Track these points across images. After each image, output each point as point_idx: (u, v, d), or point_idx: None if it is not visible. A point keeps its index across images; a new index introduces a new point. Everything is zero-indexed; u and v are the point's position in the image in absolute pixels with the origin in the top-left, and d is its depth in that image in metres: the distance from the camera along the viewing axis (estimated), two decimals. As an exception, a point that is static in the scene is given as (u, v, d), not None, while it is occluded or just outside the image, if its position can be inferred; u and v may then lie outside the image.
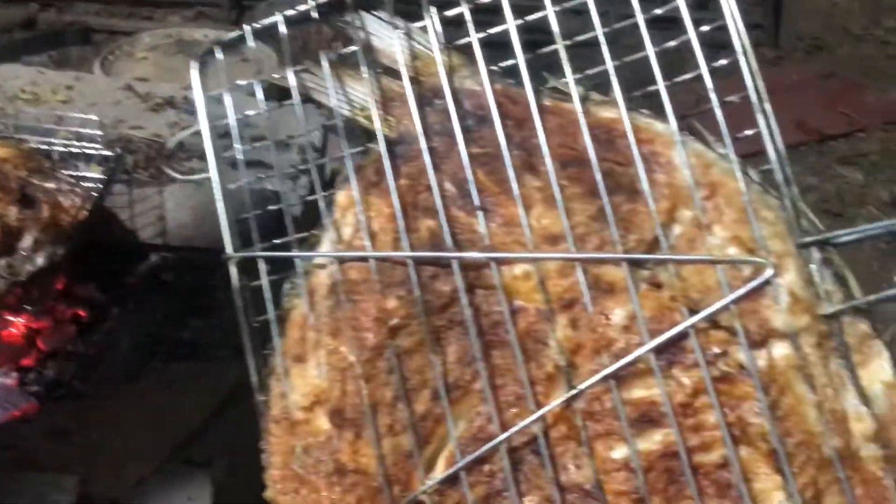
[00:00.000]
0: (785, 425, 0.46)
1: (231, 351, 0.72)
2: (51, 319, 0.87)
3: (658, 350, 0.48)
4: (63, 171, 0.90)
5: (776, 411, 0.46)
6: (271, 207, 0.59)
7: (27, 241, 0.81)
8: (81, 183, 0.88)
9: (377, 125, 0.56)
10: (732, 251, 0.49)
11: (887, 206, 2.54)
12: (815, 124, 2.30)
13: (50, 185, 0.85)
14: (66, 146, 0.97)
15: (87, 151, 0.96)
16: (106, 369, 0.85)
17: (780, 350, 0.47)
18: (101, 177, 0.90)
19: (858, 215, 2.36)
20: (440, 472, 0.52)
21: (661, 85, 0.52)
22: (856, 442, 0.46)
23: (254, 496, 0.57)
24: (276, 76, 0.59)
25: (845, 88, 2.36)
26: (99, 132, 0.95)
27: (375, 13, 0.59)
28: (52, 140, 0.98)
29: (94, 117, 0.98)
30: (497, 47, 0.56)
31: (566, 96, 0.53)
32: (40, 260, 0.81)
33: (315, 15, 0.58)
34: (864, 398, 0.47)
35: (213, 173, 0.60)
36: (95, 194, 0.88)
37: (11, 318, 0.85)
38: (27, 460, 0.74)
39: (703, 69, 0.51)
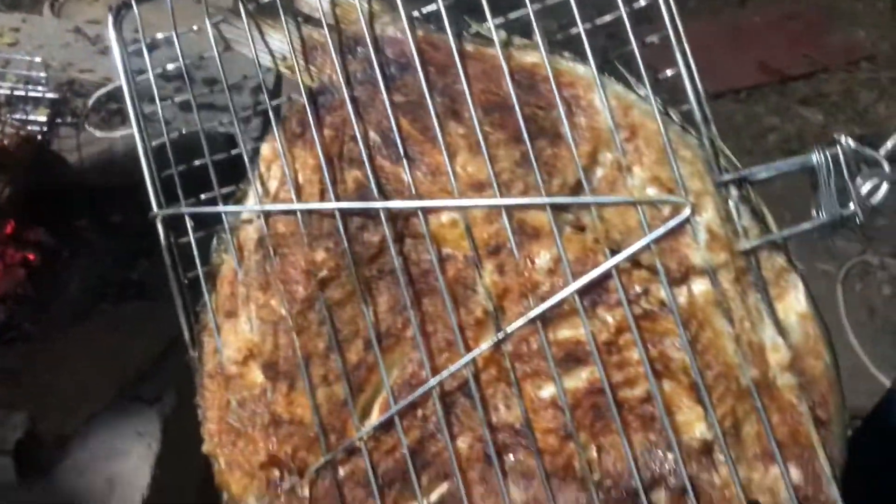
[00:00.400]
0: (705, 358, 0.48)
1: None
2: (0, 263, 0.86)
3: (582, 291, 0.49)
4: (10, 114, 0.89)
5: (696, 345, 0.48)
6: (196, 162, 0.58)
7: None
8: (28, 126, 0.88)
9: (300, 74, 0.55)
10: (652, 191, 0.49)
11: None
12: (778, 65, 2.32)
13: None
14: (12, 89, 0.96)
15: (34, 95, 0.94)
16: (55, 311, 0.86)
17: (700, 286, 0.48)
18: (46, 119, 0.90)
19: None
20: (375, 418, 0.52)
21: (580, 27, 0.51)
22: (772, 372, 0.48)
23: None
24: (194, 27, 0.58)
25: (808, 29, 2.38)
26: (45, 75, 0.94)
27: (293, -40, 0.58)
28: (0, 83, 0.97)
29: (40, 60, 0.96)
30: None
31: (488, 41, 0.53)
32: None
33: (231, -37, 0.57)
34: (781, 330, 0.48)
35: (136, 131, 0.58)
36: (40, 137, 0.88)
37: None
38: None
39: (622, 9, 0.51)
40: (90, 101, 0.62)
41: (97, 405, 0.75)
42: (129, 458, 0.72)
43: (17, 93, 0.95)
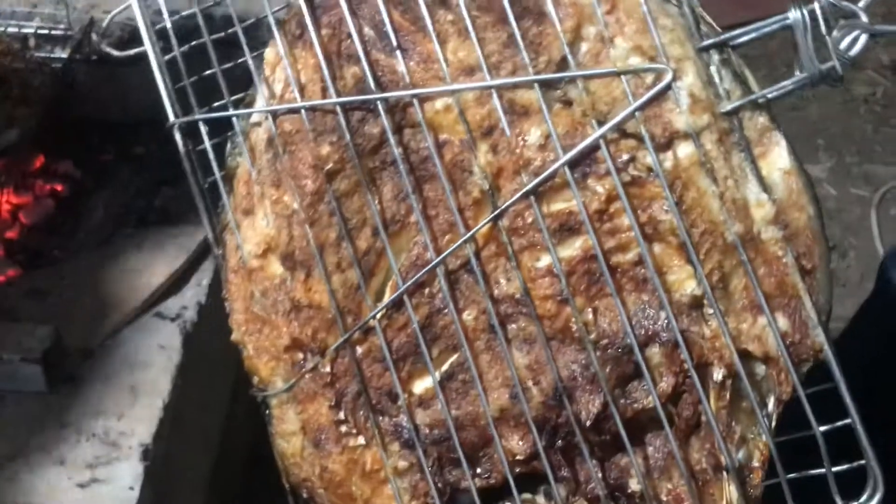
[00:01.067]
0: (691, 217, 0.50)
1: (199, 216, 0.76)
2: (31, 195, 0.92)
3: (572, 163, 0.51)
4: (36, 53, 0.95)
5: (682, 206, 0.50)
6: (206, 73, 0.61)
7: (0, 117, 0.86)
8: (52, 64, 0.93)
9: (294, -21, 0.58)
10: (635, 61, 0.51)
11: (886, 69, 2.49)
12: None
13: (19, 65, 0.90)
14: (37, 28, 1.01)
15: (58, 34, 0.99)
16: (81, 237, 0.90)
17: (684, 150, 0.50)
18: (68, 57, 0.95)
19: (855, 79, 2.32)
20: (386, 298, 0.56)
21: None
22: (757, 226, 0.49)
23: (220, 342, 0.62)
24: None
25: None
26: (65, 14, 0.98)
27: None
28: (27, 24, 1.03)
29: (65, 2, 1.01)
30: None
31: (471, -71, 0.54)
32: (13, 134, 0.86)
33: None
34: (765, 186, 0.50)
35: (148, 46, 0.62)
36: (63, 73, 0.93)
37: None
38: (6, 317, 0.79)
39: None
40: (105, 23, 0.65)
41: (120, 320, 0.80)
42: (151, 369, 0.76)
43: (41, 31, 1.00)
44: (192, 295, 0.80)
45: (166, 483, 0.73)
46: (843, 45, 0.48)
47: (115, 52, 0.64)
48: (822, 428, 0.49)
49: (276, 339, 0.58)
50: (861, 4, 0.48)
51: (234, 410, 0.95)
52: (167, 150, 0.76)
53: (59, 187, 0.94)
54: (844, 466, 0.49)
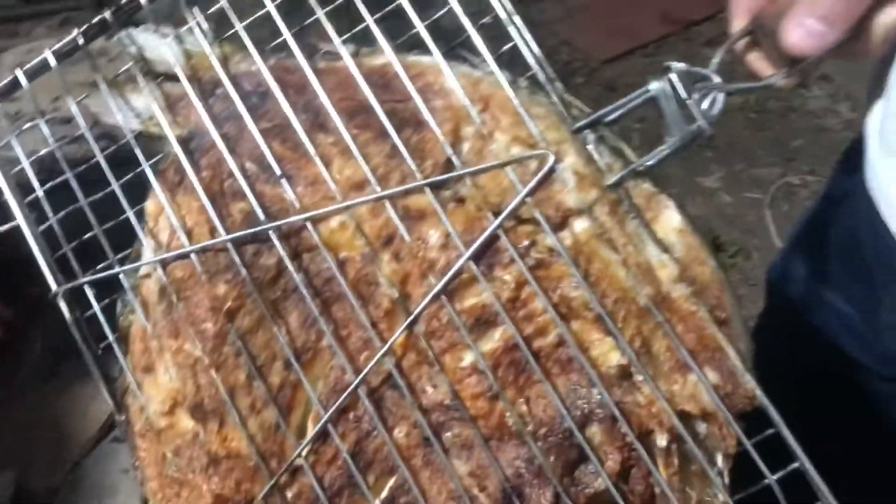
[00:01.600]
0: (601, 289, 0.50)
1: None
2: None
3: (476, 257, 0.51)
4: None
5: (590, 279, 0.50)
6: (86, 236, 0.59)
7: None
8: None
9: (166, 128, 0.57)
10: (516, 151, 0.52)
11: (752, 78, 2.73)
12: (680, 13, 2.47)
13: None
14: None
15: None
16: (24, 376, 0.88)
17: (580, 225, 0.51)
18: None
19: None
20: (310, 433, 0.53)
21: (419, 25, 0.55)
22: (665, 286, 0.50)
23: None
24: (54, 110, 0.59)
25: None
26: None
27: (143, 27, 0.60)
28: None
29: None
30: (263, 29, 0.58)
31: (337, 56, 0.56)
32: None
33: (81, 42, 0.59)
34: (663, 247, 0.51)
35: (21, 219, 0.59)
36: None
37: None
38: None
39: (453, 2, 0.55)
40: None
41: (79, 452, 0.79)
42: (119, 494, 0.76)
43: None
44: None
45: None
46: (705, 105, 0.51)
47: (-14, 232, 0.61)
48: (775, 476, 0.48)
49: (198, 499, 0.53)
50: (711, 69, 0.52)
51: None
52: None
53: None
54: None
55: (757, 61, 0.54)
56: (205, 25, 0.58)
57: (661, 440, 0.49)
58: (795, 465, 0.48)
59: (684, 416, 0.49)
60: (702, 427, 0.49)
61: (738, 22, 0.55)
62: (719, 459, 0.49)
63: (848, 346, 0.72)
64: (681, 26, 2.45)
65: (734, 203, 2.22)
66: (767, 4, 0.53)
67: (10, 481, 0.78)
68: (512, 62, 0.55)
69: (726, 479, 0.49)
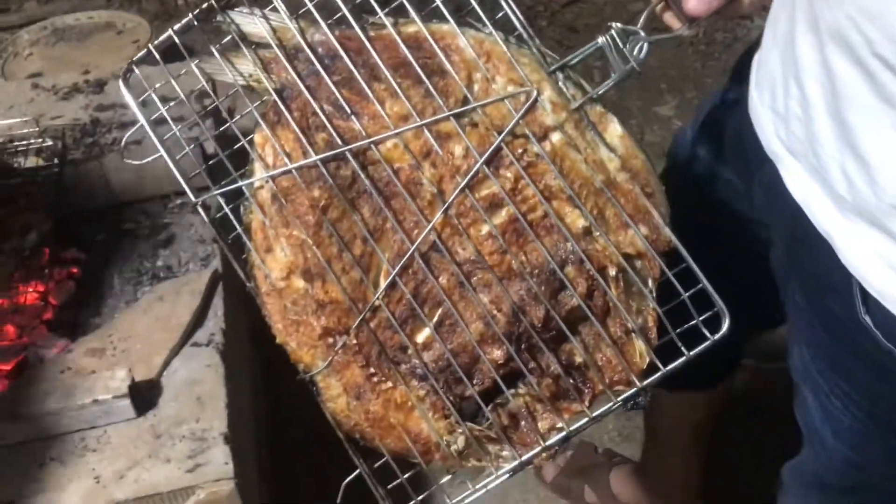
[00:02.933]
0: (570, 179, 0.76)
1: (197, 263, 1.04)
2: (52, 281, 1.16)
3: (487, 161, 0.77)
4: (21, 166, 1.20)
5: (563, 172, 0.76)
6: (212, 161, 0.84)
7: (17, 225, 1.09)
8: (40, 172, 1.17)
9: (266, 82, 0.82)
10: (511, 88, 0.77)
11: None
12: None
13: (15, 180, 1.14)
14: (2, 147, 1.25)
15: (20, 148, 1.22)
16: (110, 303, 1.19)
17: (555, 136, 0.77)
18: (51, 163, 1.20)
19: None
20: (382, 284, 0.80)
21: (438, 2, 0.79)
22: (612, 174, 0.76)
23: (241, 353, 0.84)
24: (182, 72, 0.84)
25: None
26: (27, 129, 1.22)
27: (239, 9, 0.84)
28: (8, 144, 1.27)
29: (16, 119, 1.24)
30: (329, 7, 0.82)
31: (382, 26, 0.80)
32: (33, 236, 1.10)
33: (195, 23, 0.83)
34: (610, 148, 0.77)
35: (164, 155, 0.84)
36: (53, 178, 1.17)
37: (25, 287, 1.13)
38: (82, 373, 1.08)
39: (461, -18, 0.79)
40: (122, 141, 0.86)
41: (168, 355, 1.07)
42: (207, 382, 1.04)
43: (9, 149, 1.23)
44: (214, 323, 1.08)
45: (240, 456, 0.98)
46: (635, 52, 0.76)
47: (136, 162, 0.86)
48: (688, 293, 0.75)
49: (311, 332, 0.81)
50: (639, 25, 0.77)
51: (257, 402, 1.23)
52: (152, 222, 1.05)
53: (74, 270, 1.18)
54: (707, 314, 0.75)
55: (670, 18, 0.79)
56: (282, 6, 0.82)
57: (612, 271, 0.76)
58: (699, 286, 0.75)
59: (626, 256, 0.76)
60: (638, 263, 0.77)
61: None
62: (650, 283, 0.77)
63: (736, 204, 1.01)
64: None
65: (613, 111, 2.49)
66: None
67: (126, 375, 1.06)
68: (504, 25, 0.80)
69: (654, 295, 0.76)
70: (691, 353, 0.74)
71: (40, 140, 1.27)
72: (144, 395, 1.08)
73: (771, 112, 0.82)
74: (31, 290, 1.17)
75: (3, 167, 1.22)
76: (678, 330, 0.75)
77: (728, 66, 0.89)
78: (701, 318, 0.75)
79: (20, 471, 1.04)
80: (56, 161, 1.25)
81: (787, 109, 0.78)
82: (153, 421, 1.06)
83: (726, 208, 1.05)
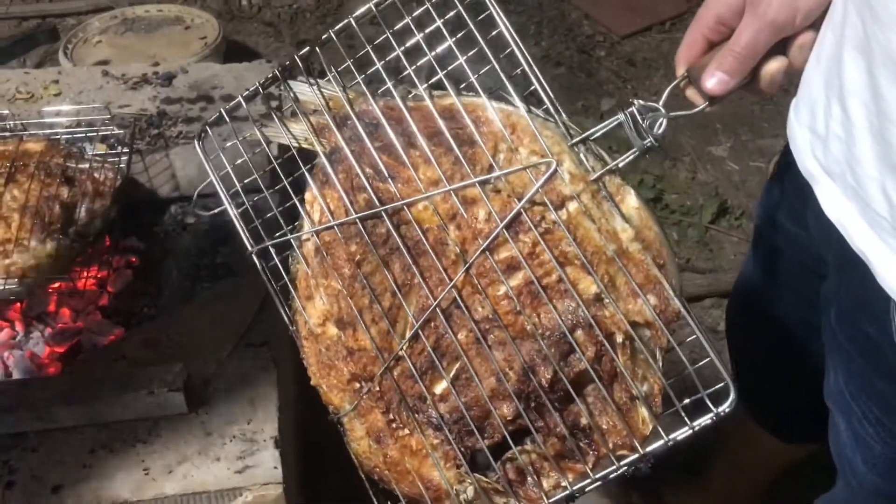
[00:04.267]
0: (584, 247, 0.80)
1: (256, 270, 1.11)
2: (110, 269, 1.22)
3: (507, 226, 0.82)
4: (90, 152, 1.26)
5: (577, 240, 0.80)
6: (268, 216, 0.93)
7: (82, 211, 1.16)
8: (108, 159, 1.24)
9: (317, 146, 0.90)
10: (533, 159, 0.82)
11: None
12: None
13: (83, 165, 1.21)
14: (71, 132, 1.32)
15: (90, 134, 1.30)
16: (168, 296, 1.22)
17: (572, 206, 0.81)
18: (119, 150, 1.26)
19: None
20: (407, 336, 0.85)
21: (472, 78, 0.85)
22: (625, 244, 0.79)
23: (291, 360, 0.90)
24: (247, 135, 0.94)
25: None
26: (95, 115, 1.30)
27: (299, 79, 0.93)
28: (57, 129, 1.34)
29: (86, 105, 1.32)
30: (377, 79, 0.90)
31: (421, 98, 0.87)
32: (98, 223, 1.16)
33: (261, 91, 0.93)
34: (626, 219, 0.80)
35: (230, 210, 0.94)
36: (122, 165, 1.24)
37: (84, 272, 1.19)
38: (133, 365, 1.11)
39: (495, 64, 0.85)
40: (194, 195, 0.97)
41: (222, 353, 1.11)
42: (260, 385, 1.08)
43: (76, 134, 1.31)
44: (268, 326, 1.11)
45: (287, 462, 1.03)
46: (655, 128, 0.79)
47: (205, 213, 0.96)
48: (694, 366, 0.77)
49: (341, 376, 0.87)
50: (660, 102, 0.80)
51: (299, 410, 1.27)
52: (215, 219, 1.08)
53: (133, 259, 1.24)
54: (712, 389, 0.76)
55: (692, 95, 0.82)
56: (337, 78, 0.91)
57: (619, 338, 0.79)
58: (707, 359, 0.77)
59: (634, 325, 0.78)
60: (646, 332, 0.79)
61: (680, 69, 0.82)
62: (657, 353, 0.79)
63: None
64: (694, 4, 2.66)
65: (741, 170, 2.44)
66: (695, 60, 0.81)
67: (182, 370, 1.07)
68: (533, 98, 0.85)
69: (661, 364, 0.78)
70: (695, 423, 0.75)
71: (110, 127, 1.33)
72: (198, 392, 1.09)
73: (809, 132, 0.83)
74: (90, 275, 1.19)
75: (72, 152, 1.28)
76: (684, 402, 0.77)
77: (785, 111, 0.91)
78: (708, 392, 0.76)
79: (70, 456, 1.06)
80: (123, 150, 1.28)
81: (828, 129, 0.78)
82: (204, 418, 1.07)
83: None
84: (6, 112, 1.48)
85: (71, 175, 1.24)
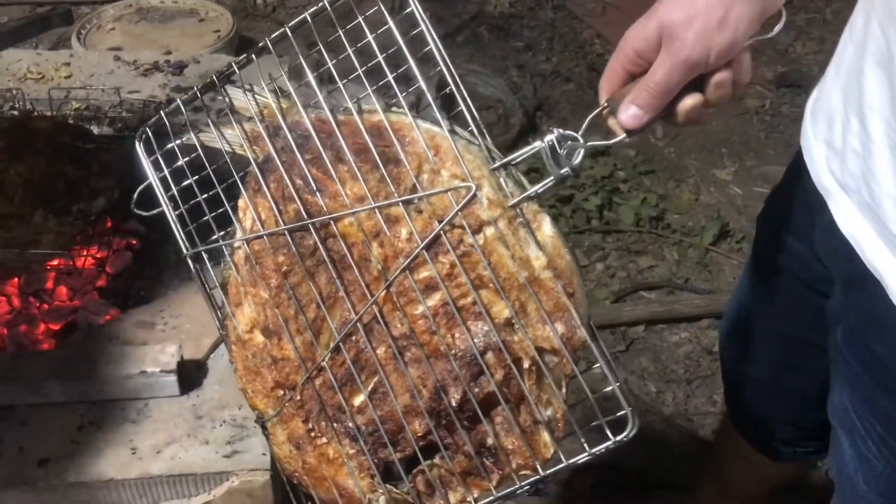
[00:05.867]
0: (498, 272, 0.81)
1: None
2: (110, 250, 1.23)
3: (427, 247, 0.83)
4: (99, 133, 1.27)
5: (491, 265, 0.81)
6: (203, 219, 0.95)
7: (86, 189, 1.17)
8: (114, 141, 1.25)
9: (249, 154, 0.91)
10: (455, 182, 0.83)
11: (770, 84, 2.88)
12: None
13: (90, 145, 1.22)
14: (79, 113, 1.33)
15: (98, 115, 1.31)
16: (165, 279, 1.24)
17: (489, 231, 0.82)
18: (125, 134, 1.27)
19: (746, 94, 2.73)
20: (329, 347, 0.88)
21: (399, 96, 0.86)
22: (537, 272, 0.81)
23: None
24: (184, 139, 0.95)
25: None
26: (105, 98, 1.30)
27: (234, 86, 0.94)
28: (66, 110, 1.35)
29: (96, 87, 1.33)
30: (309, 91, 0.90)
31: (351, 112, 0.88)
32: (101, 202, 1.17)
33: (199, 95, 0.94)
34: (540, 246, 0.81)
35: (167, 210, 0.96)
36: (128, 148, 1.26)
37: (84, 251, 1.19)
38: (128, 345, 1.13)
39: (422, 84, 0.85)
40: (135, 195, 0.99)
41: (217, 338, 1.12)
42: None
43: (84, 115, 1.31)
44: None
45: None
46: (573, 158, 0.80)
47: (143, 213, 0.98)
48: (595, 395, 0.79)
49: (265, 383, 0.90)
50: (580, 132, 0.81)
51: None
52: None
53: (133, 242, 1.26)
54: (612, 417, 0.78)
55: (614, 125, 0.82)
56: (272, 87, 0.91)
57: (526, 363, 0.81)
58: (610, 388, 0.78)
59: (541, 351, 0.80)
60: (553, 358, 0.81)
61: (602, 97, 0.83)
62: (562, 379, 0.81)
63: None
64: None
65: (744, 195, 2.45)
66: (616, 90, 0.81)
67: (176, 351, 1.09)
68: (459, 118, 0.86)
69: (564, 391, 0.80)
70: (593, 450, 0.78)
71: (118, 111, 1.34)
72: (190, 375, 1.10)
73: (825, 146, 0.83)
74: (89, 254, 1.20)
75: (81, 131, 1.29)
76: (585, 427, 0.79)
77: (793, 141, 0.92)
78: (607, 419, 0.78)
79: (58, 431, 1.06)
80: (130, 133, 1.30)
81: (845, 143, 0.79)
82: (196, 401, 1.08)
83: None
84: (18, 89, 1.49)
85: (77, 155, 1.25)
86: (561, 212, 2.47)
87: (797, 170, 1.03)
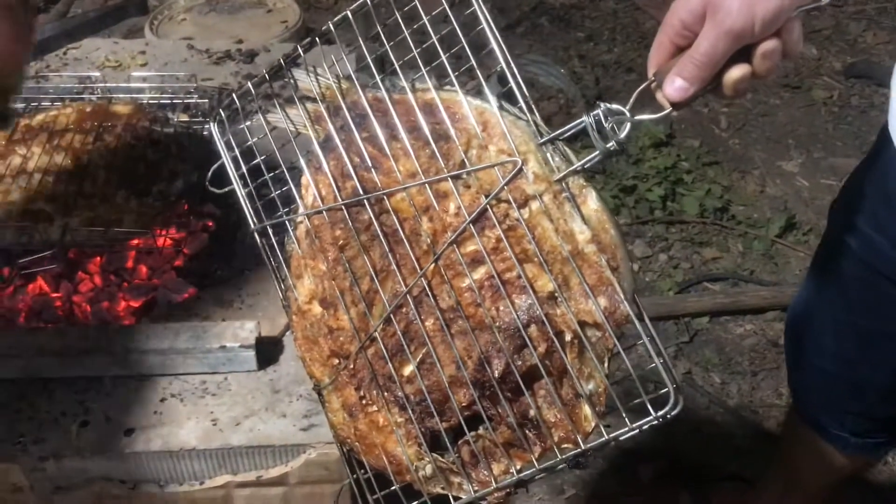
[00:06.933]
0: (542, 245, 0.82)
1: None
2: (187, 231, 1.28)
3: (474, 221, 0.85)
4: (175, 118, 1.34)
5: (536, 238, 0.82)
6: (269, 196, 0.99)
7: (165, 172, 1.23)
8: (192, 126, 1.31)
9: (312, 133, 0.95)
10: (502, 157, 0.84)
11: (839, 74, 2.78)
12: None
13: (168, 129, 1.28)
14: (156, 99, 1.40)
15: (175, 101, 1.38)
16: (240, 258, 1.29)
17: (534, 205, 0.83)
18: (200, 119, 1.32)
19: (815, 85, 2.65)
20: (381, 319, 0.90)
21: (451, 76, 0.88)
22: (581, 245, 0.81)
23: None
24: (252, 121, 1.00)
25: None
26: (179, 85, 1.37)
27: (299, 69, 0.98)
28: (142, 96, 1.42)
29: (173, 74, 1.41)
30: (367, 70, 0.94)
31: (405, 90, 0.90)
32: (180, 184, 1.23)
33: (268, 78, 0.99)
34: (585, 220, 0.81)
35: (238, 188, 1.01)
36: (204, 133, 1.31)
37: (163, 231, 1.25)
38: (210, 320, 1.20)
39: (473, 62, 0.87)
40: (209, 173, 1.05)
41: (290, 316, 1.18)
42: None
43: (161, 101, 1.39)
44: None
45: None
46: (619, 132, 0.80)
47: (217, 190, 1.03)
48: (638, 373, 0.78)
49: (321, 352, 0.94)
50: (628, 107, 0.80)
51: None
52: (288, 190, 1.14)
53: (209, 223, 1.32)
54: (656, 394, 0.78)
55: (661, 98, 0.81)
56: (335, 70, 0.95)
57: (568, 336, 0.81)
58: (653, 364, 0.78)
59: (583, 325, 0.80)
60: (595, 332, 0.81)
61: (651, 71, 0.82)
62: (604, 353, 0.80)
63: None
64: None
65: (810, 187, 2.35)
66: (663, 63, 0.80)
67: (255, 327, 1.14)
68: (509, 95, 0.87)
69: (606, 365, 0.80)
70: (634, 425, 0.77)
71: (193, 97, 1.42)
72: (267, 351, 1.15)
73: None
74: (168, 235, 1.25)
75: (159, 117, 1.35)
76: (627, 404, 0.79)
77: (861, 132, 0.91)
78: (650, 397, 0.77)
79: (143, 402, 1.11)
80: (205, 118, 1.36)
81: None
82: (273, 376, 1.12)
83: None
84: (97, 75, 1.59)
85: (157, 138, 1.32)
86: (623, 202, 2.45)
87: (876, 160, 1.00)
